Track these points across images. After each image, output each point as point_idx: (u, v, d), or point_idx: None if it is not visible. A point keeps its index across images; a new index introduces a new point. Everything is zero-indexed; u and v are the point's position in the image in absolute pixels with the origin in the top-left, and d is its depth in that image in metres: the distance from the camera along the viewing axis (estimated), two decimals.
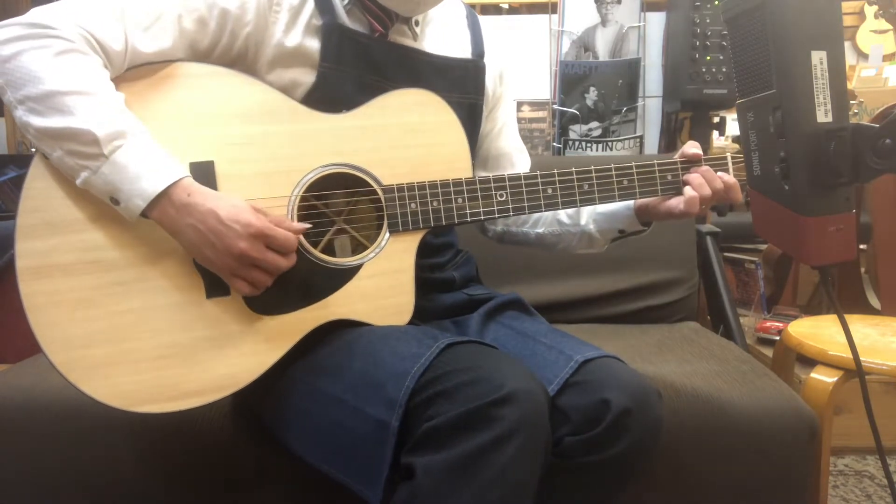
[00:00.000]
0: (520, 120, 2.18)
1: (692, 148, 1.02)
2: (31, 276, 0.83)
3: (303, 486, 1.06)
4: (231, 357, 0.89)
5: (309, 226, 0.90)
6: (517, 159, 1.22)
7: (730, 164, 1.02)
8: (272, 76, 0.96)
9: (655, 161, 1.01)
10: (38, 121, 0.81)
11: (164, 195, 0.82)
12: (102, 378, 0.84)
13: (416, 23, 1.04)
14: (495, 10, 2.59)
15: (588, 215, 1.12)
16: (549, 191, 0.99)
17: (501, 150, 1.21)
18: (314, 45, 0.97)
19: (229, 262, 0.84)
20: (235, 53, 0.95)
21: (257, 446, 1.06)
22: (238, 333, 0.89)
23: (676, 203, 1.01)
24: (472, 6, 2.40)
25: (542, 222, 1.17)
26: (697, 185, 0.99)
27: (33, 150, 0.86)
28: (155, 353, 0.86)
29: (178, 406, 0.87)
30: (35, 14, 0.83)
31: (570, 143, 2.11)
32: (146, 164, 0.82)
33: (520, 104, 2.18)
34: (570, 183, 0.99)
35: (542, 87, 2.17)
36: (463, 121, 1.01)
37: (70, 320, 0.84)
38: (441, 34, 1.10)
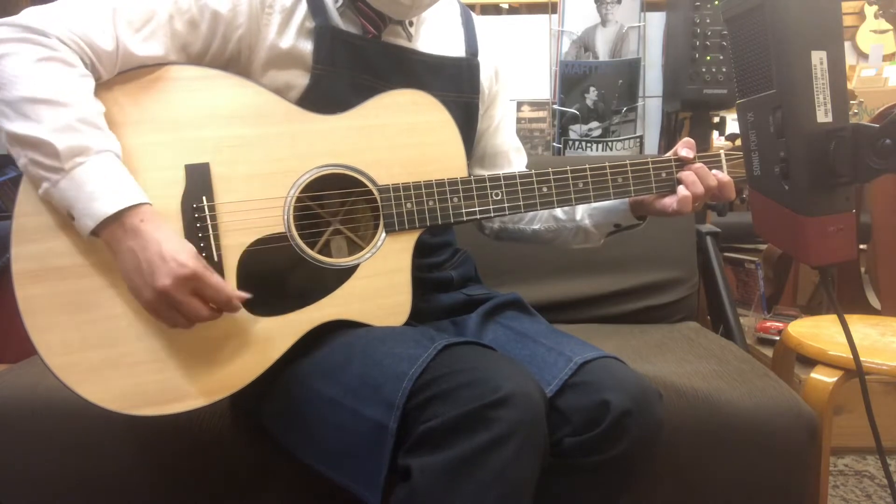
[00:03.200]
0: (520, 120, 2.17)
1: (685, 147, 1.02)
2: (27, 279, 0.83)
3: (302, 487, 1.06)
4: (228, 358, 0.89)
5: (249, 295, 0.86)
6: (514, 157, 1.22)
7: (723, 162, 1.02)
8: (266, 78, 0.95)
9: (650, 159, 1.01)
10: (8, 125, 0.81)
11: (116, 218, 0.81)
12: (99, 382, 0.84)
13: (410, 23, 1.04)
14: (495, 10, 2.59)
15: (583, 211, 1.12)
16: (545, 189, 0.99)
17: (498, 149, 1.20)
18: (307, 47, 0.96)
19: (149, 297, 0.82)
20: (228, 56, 0.94)
21: (256, 447, 1.06)
22: (235, 335, 0.89)
23: (670, 202, 1.01)
24: (472, 6, 2.39)
25: (538, 219, 1.17)
26: (690, 182, 0.99)
27: None
28: (152, 356, 0.86)
29: (175, 409, 0.87)
30: (25, 16, 0.83)
31: (570, 143, 2.11)
32: (105, 184, 0.81)
33: (520, 104, 2.18)
34: (566, 181, 0.99)
35: (542, 87, 2.16)
36: (458, 120, 1.01)
37: (66, 324, 0.83)
38: (435, 33, 1.09)
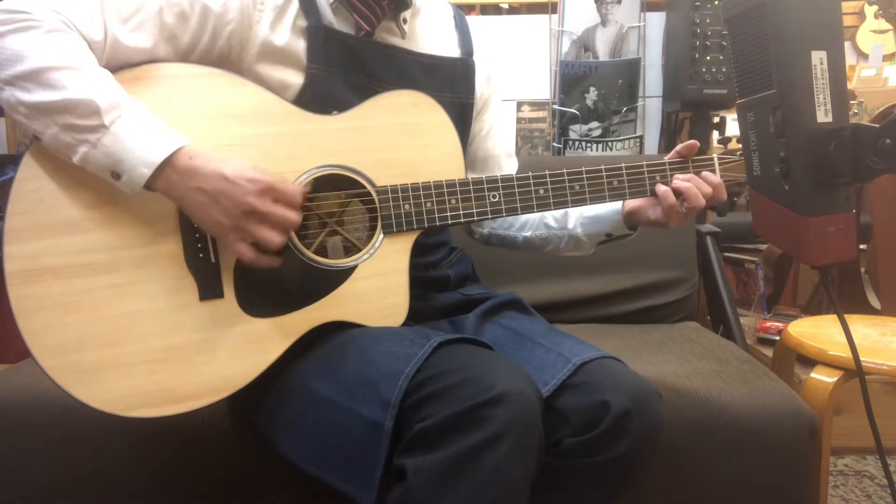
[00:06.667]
0: (520, 120, 2.17)
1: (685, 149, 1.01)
2: (20, 279, 0.82)
3: (301, 488, 1.06)
4: (225, 360, 0.88)
5: (308, 188, 0.90)
6: (505, 163, 1.22)
7: (716, 166, 1.01)
8: (260, 74, 0.95)
9: (644, 162, 1.01)
10: (29, 97, 0.80)
11: (168, 162, 0.81)
12: (95, 383, 0.84)
13: (405, 20, 1.04)
14: (495, 10, 2.59)
15: (575, 219, 1.11)
16: (541, 191, 0.99)
17: (489, 153, 1.20)
18: (301, 46, 0.96)
19: (238, 221, 0.82)
20: (217, 53, 0.93)
21: (254, 449, 1.05)
22: (232, 336, 0.89)
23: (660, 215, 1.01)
24: (472, 6, 2.38)
25: (529, 226, 1.17)
26: (692, 195, 0.98)
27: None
28: (148, 357, 0.85)
29: (172, 410, 0.87)
30: (12, 1, 0.82)
31: (570, 143, 2.11)
32: (147, 133, 0.82)
33: (520, 104, 2.17)
34: (562, 184, 0.99)
35: (542, 87, 2.16)
36: (454, 120, 1.00)
37: (61, 324, 0.83)
38: (429, 33, 1.09)
